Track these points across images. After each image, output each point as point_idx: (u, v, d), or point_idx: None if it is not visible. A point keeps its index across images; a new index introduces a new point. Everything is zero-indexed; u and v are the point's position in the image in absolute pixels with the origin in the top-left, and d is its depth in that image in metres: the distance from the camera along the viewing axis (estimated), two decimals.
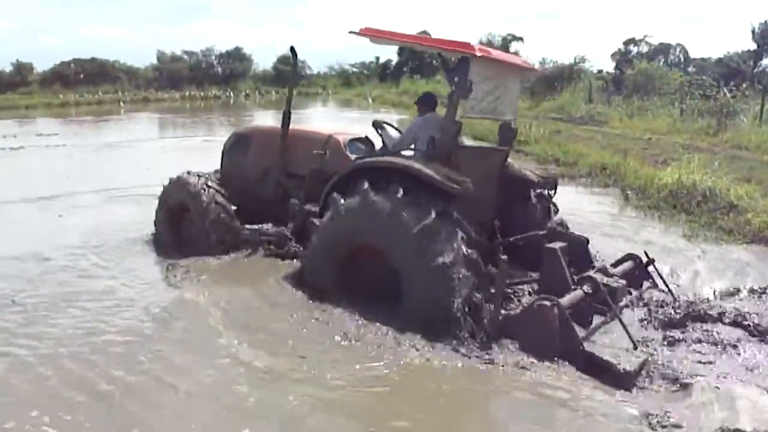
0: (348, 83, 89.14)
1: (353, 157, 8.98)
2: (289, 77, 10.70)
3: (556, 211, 9.28)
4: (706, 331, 7.19)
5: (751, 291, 8.75)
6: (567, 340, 6.40)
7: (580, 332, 6.61)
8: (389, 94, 65.01)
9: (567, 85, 47.68)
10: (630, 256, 8.72)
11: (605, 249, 10.11)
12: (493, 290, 6.86)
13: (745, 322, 7.35)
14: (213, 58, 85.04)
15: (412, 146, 8.45)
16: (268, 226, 10.16)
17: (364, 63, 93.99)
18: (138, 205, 11.01)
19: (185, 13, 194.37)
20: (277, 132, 10.14)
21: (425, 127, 8.40)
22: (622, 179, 17.23)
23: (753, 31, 74.34)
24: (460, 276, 6.82)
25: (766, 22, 73.22)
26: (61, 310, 7.79)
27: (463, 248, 6.93)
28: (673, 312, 7.61)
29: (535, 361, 6.40)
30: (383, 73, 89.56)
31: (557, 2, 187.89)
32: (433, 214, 6.95)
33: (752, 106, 28.59)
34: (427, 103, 8.78)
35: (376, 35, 8.18)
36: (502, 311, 6.91)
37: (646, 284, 8.54)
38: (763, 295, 8.55)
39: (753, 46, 74.32)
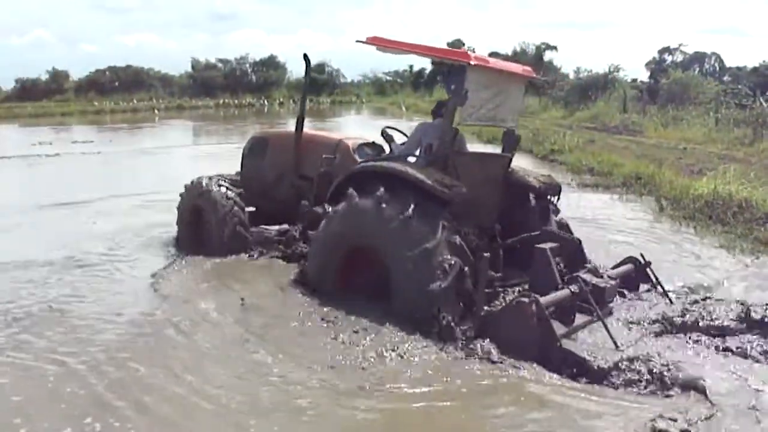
0: (382, 92, 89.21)
1: (360, 161, 9.22)
2: (303, 84, 10.90)
3: (559, 216, 9.36)
4: (693, 333, 7.23)
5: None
6: (545, 336, 6.50)
7: (562, 330, 6.73)
8: (423, 103, 64.97)
9: (601, 95, 47.46)
10: (630, 259, 8.73)
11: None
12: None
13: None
14: (247, 66, 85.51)
15: (416, 152, 8.70)
16: (274, 228, 10.53)
17: (398, 72, 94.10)
18: (169, 209, 11.11)
19: (220, 21, 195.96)
20: (292, 136, 10.37)
21: (427, 133, 8.61)
22: (657, 189, 17.03)
23: None
24: (442, 260, 7.08)
25: None
26: (90, 318, 7.84)
27: (447, 235, 7.23)
28: (662, 314, 7.60)
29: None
30: (416, 81, 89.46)
31: (591, 11, 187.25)
32: (411, 206, 7.24)
33: None
34: (437, 110, 8.90)
35: (381, 44, 8.48)
36: (486, 308, 7.09)
37: (644, 287, 8.53)
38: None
39: None
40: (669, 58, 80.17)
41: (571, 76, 61.50)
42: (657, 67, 73.07)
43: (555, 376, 6.28)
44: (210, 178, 10.60)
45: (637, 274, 8.57)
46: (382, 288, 7.53)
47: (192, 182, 10.70)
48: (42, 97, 68.17)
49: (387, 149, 9.40)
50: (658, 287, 8.50)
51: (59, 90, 73.81)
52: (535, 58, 76.65)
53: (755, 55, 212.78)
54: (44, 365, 6.53)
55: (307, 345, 6.90)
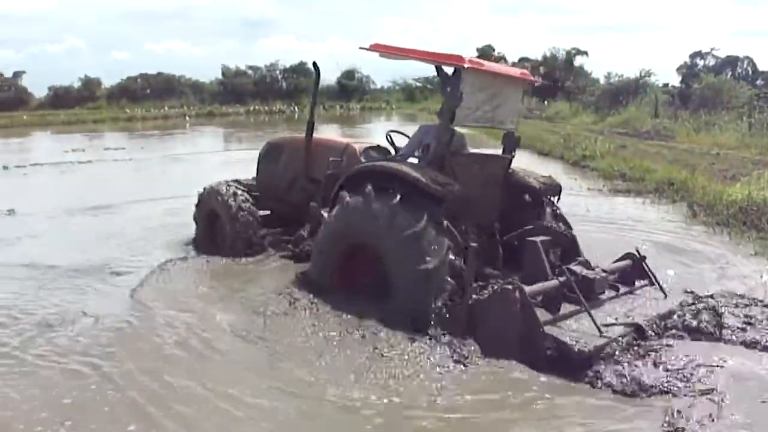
0: (411, 98, 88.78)
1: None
2: (312, 90, 11.26)
3: (560, 216, 9.44)
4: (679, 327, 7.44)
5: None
6: (528, 321, 6.71)
7: (547, 318, 6.99)
8: None
9: (632, 100, 47.19)
10: (628, 255, 8.83)
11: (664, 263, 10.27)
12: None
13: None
14: (277, 72, 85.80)
15: (417, 153, 9.10)
16: (277, 230, 10.93)
17: (428, 78, 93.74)
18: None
19: (250, 28, 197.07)
20: (304, 141, 10.67)
21: (427, 135, 9.00)
22: (690, 195, 16.82)
23: None
24: (430, 242, 7.39)
25: None
26: (119, 324, 7.87)
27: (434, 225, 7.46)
28: (653, 307, 7.86)
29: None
30: None
31: (622, 16, 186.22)
32: (397, 198, 7.61)
33: None
34: (439, 113, 9.00)
35: (383, 50, 8.79)
36: (474, 296, 7.23)
37: (641, 282, 8.63)
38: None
39: None
40: (701, 63, 79.45)
41: (602, 81, 61.31)
42: (688, 71, 72.42)
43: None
44: (224, 183, 11.00)
45: (633, 270, 8.69)
46: (382, 287, 7.78)
47: (207, 187, 11.12)
48: (74, 105, 69.04)
49: (393, 152, 9.74)
50: (662, 284, 8.62)
51: (91, 97, 74.64)
52: (566, 63, 76.49)
53: None
54: (84, 369, 6.60)
55: (344, 357, 6.90)
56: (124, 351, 7.04)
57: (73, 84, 77.34)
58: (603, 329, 6.84)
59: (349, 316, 7.75)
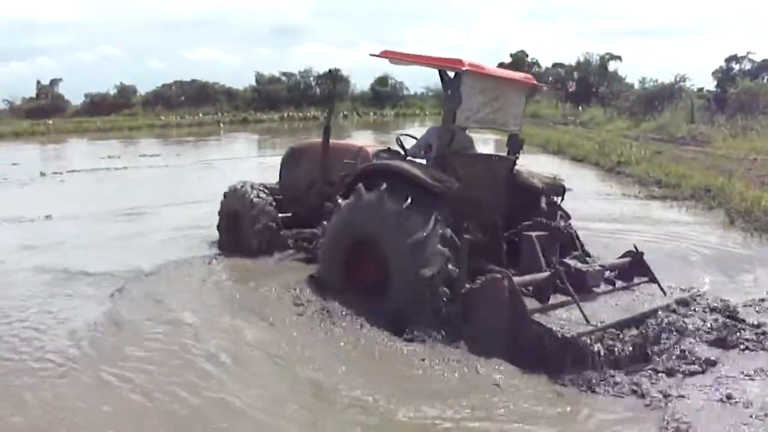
0: None
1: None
2: (329, 96, 11.64)
3: (566, 215, 9.61)
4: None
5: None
6: (516, 308, 7.02)
7: (536, 306, 7.38)
8: None
9: (667, 105, 46.79)
10: (629, 253, 8.99)
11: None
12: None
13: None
14: (311, 79, 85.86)
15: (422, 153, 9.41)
16: (307, 231, 11.15)
17: None
18: None
19: (283, 35, 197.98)
20: (321, 146, 11.09)
21: (431, 136, 9.29)
22: (727, 201, 16.68)
23: None
24: (433, 249, 7.65)
25: None
26: (152, 335, 7.87)
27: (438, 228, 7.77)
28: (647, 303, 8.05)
29: None
30: None
31: (656, 20, 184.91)
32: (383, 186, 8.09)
33: None
34: None
35: (392, 56, 9.29)
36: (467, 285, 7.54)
37: (640, 278, 8.78)
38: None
39: None
40: (736, 67, 78.43)
41: (637, 86, 60.79)
42: (724, 75, 71.53)
43: None
44: (247, 184, 11.40)
45: (632, 266, 8.85)
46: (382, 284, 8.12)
47: (231, 188, 11.59)
48: (110, 112, 69.57)
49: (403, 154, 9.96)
50: (664, 281, 8.76)
51: (127, 104, 75.25)
52: (600, 69, 76.07)
53: None
54: (119, 383, 6.60)
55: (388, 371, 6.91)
56: (152, 365, 7.01)
57: (108, 91, 78.13)
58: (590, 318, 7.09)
59: (357, 319, 8.01)
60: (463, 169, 8.57)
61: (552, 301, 7.60)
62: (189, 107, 72.50)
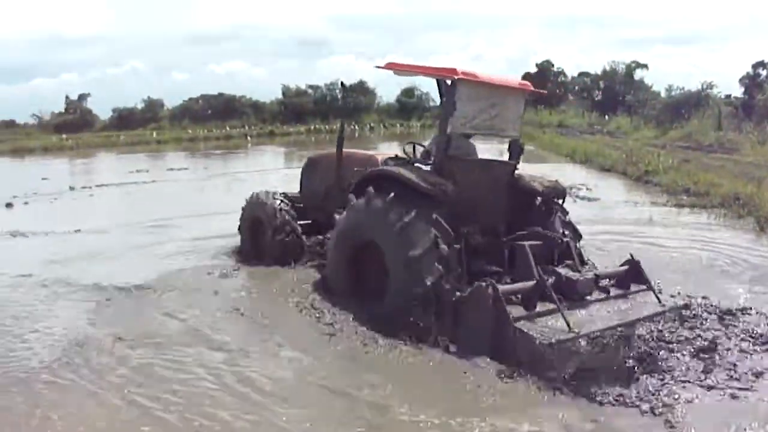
0: None
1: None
2: (341, 107, 11.93)
3: (566, 218, 9.81)
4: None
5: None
6: (499, 316, 7.26)
7: (522, 314, 7.53)
8: None
9: (694, 113, 46.47)
10: (627, 262, 9.04)
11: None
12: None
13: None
14: (337, 91, 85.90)
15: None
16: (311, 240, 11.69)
17: None
18: None
19: (309, 48, 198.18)
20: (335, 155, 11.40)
21: (432, 143, 9.66)
22: (757, 209, 16.51)
23: None
24: (429, 267, 7.87)
25: None
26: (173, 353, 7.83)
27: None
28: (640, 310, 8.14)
29: None
30: None
31: (682, 28, 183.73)
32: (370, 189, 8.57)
33: None
34: None
35: (394, 68, 9.65)
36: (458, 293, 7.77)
37: (637, 287, 8.79)
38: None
39: None
40: (764, 73, 77.77)
41: (663, 94, 60.50)
42: (751, 82, 70.94)
43: None
44: (268, 193, 11.84)
45: (628, 274, 8.89)
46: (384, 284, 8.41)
47: (252, 195, 12.04)
48: (138, 126, 70.20)
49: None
50: (663, 290, 9.11)
51: (154, 118, 75.84)
52: (626, 77, 75.72)
53: None
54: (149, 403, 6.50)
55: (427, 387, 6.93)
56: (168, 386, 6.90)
57: (136, 105, 78.77)
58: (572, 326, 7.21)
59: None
60: (462, 174, 8.89)
61: (541, 308, 7.70)
62: (216, 120, 72.94)
